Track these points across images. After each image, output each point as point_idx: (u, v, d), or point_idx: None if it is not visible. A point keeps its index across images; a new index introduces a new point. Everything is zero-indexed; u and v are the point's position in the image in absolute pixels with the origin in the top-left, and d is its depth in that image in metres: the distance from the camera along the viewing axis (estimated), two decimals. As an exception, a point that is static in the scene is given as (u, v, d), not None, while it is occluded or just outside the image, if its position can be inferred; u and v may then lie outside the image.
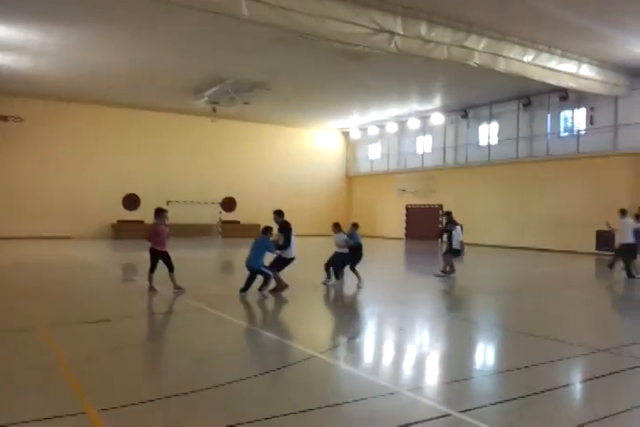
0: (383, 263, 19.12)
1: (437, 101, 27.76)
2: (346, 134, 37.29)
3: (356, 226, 12.63)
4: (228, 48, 18.69)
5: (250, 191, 33.07)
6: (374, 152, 35.97)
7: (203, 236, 30.65)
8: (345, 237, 12.04)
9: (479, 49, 16.44)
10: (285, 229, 10.83)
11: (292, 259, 10.97)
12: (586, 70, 19.36)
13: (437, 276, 13.72)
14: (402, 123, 32.52)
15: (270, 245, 10.39)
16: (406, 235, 32.72)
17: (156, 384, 5.23)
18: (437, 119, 30.06)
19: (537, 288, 12.62)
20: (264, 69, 21.50)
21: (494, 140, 27.61)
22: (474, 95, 25.85)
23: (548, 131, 25.04)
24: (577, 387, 5.43)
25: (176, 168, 30.86)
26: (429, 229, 30.05)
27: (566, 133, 24.69)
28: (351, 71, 21.07)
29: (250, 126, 33.16)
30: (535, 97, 24.97)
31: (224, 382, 5.09)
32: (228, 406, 4.53)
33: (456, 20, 15.49)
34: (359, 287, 11.73)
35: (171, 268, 10.55)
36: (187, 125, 31.04)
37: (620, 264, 14.97)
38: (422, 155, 31.96)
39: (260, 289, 10.21)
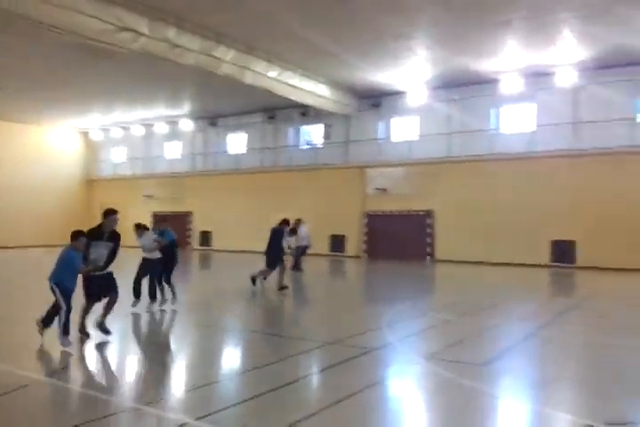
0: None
1: (186, 107, 27.56)
2: (85, 134, 34.51)
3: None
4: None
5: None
6: (118, 155, 34.04)
7: None
8: (155, 235, 9.96)
9: (227, 60, 16.81)
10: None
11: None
12: (323, 90, 21.36)
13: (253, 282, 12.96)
14: (149, 126, 31.41)
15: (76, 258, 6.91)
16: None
17: None
18: (186, 125, 29.83)
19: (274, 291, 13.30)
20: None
21: (243, 150, 28.59)
22: (223, 104, 26.34)
23: (291, 143, 26.94)
24: (310, 378, 5.80)
25: None
26: (180, 236, 29.44)
27: (306, 146, 26.91)
28: (94, 69, 19.60)
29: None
30: (280, 111, 26.56)
31: None
32: None
33: (205, 29, 15.61)
34: (172, 309, 9.85)
35: None
36: None
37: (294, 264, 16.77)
38: (171, 160, 31.36)
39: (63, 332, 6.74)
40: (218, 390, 5.31)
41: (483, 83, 20.73)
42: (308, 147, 26.86)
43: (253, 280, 12.76)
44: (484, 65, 19.22)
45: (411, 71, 20.30)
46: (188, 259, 23.04)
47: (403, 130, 23.98)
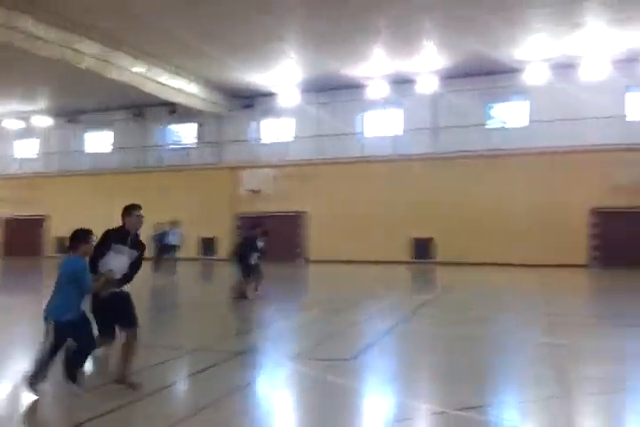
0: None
1: (43, 103, 25.45)
2: None
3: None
4: None
5: None
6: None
7: None
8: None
9: (91, 53, 15.81)
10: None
11: None
12: (193, 88, 20.77)
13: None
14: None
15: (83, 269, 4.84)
16: (6, 252, 28.08)
17: None
18: (42, 122, 27.46)
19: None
20: None
21: (108, 148, 26.96)
22: (84, 100, 24.68)
23: (160, 142, 25.89)
24: (175, 387, 5.53)
25: None
26: (31, 244, 27.14)
27: (176, 146, 26.01)
28: None
29: None
30: (147, 108, 25.42)
31: None
32: None
33: (67, 21, 14.50)
34: None
35: None
36: None
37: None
38: (23, 160, 28.71)
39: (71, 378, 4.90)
40: (79, 403, 4.85)
41: (352, 87, 21.43)
42: (178, 146, 26.00)
43: (243, 295, 11.13)
44: (353, 70, 19.89)
45: (282, 73, 20.44)
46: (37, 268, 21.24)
47: (275, 131, 24.08)
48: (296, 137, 23.26)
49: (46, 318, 4.72)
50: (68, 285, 4.72)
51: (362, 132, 22.58)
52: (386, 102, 21.63)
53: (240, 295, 11.03)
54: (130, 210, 5.37)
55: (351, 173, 21.67)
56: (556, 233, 18.75)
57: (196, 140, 25.48)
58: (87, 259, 4.91)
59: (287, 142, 23.45)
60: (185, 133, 26.02)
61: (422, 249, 20.80)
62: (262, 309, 10.46)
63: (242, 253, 11.19)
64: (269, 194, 22.95)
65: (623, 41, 16.98)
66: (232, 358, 6.45)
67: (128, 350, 5.16)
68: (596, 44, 17.23)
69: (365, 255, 20.93)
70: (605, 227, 18.73)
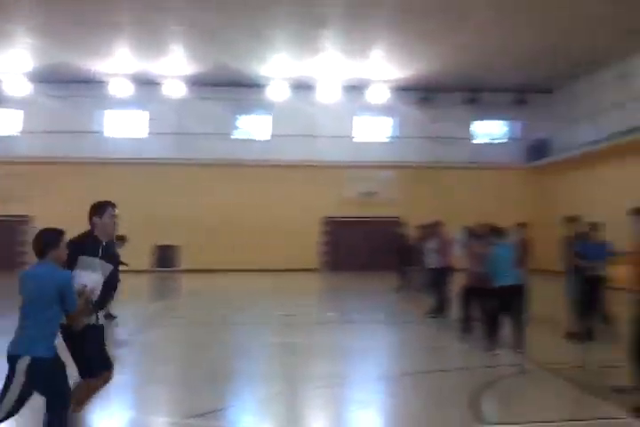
0: None
1: None
2: None
3: None
4: None
5: None
6: None
7: None
8: None
9: None
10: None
11: None
12: None
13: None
14: None
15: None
16: None
17: None
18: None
19: None
20: None
21: None
22: None
23: None
24: None
25: None
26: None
27: None
28: None
29: None
30: None
31: None
32: None
33: None
34: None
35: None
36: None
37: None
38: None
39: None
40: None
41: (91, 83, 19.81)
42: None
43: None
44: (94, 65, 18.42)
45: (9, 59, 17.88)
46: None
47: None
48: (23, 131, 20.51)
49: (16, 355, 3.28)
50: (49, 306, 3.34)
51: (102, 132, 21.02)
52: (130, 102, 20.53)
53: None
54: (102, 209, 4.02)
55: (88, 175, 19.77)
56: (293, 240, 20.00)
57: None
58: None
59: (13, 136, 20.52)
60: None
61: (166, 256, 20.22)
62: None
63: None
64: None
65: (354, 70, 19.09)
66: None
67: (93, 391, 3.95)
68: (331, 70, 19.01)
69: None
70: (334, 235, 20.75)
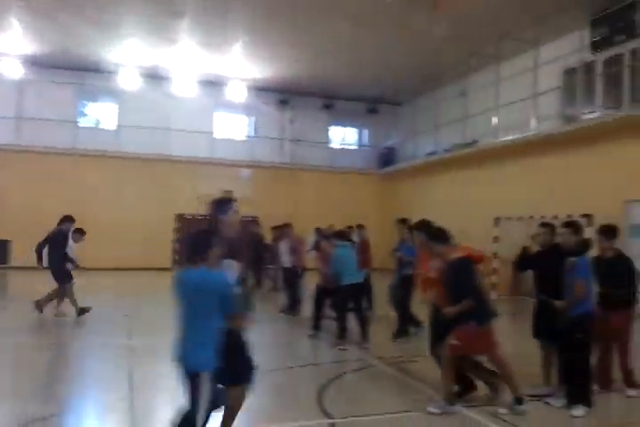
0: None
1: None
2: None
3: None
4: None
5: None
6: None
7: None
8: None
9: None
10: None
11: None
12: None
13: None
14: None
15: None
16: None
17: None
18: None
19: None
20: None
21: None
22: None
23: None
24: None
25: None
26: None
27: None
28: None
29: None
30: None
31: None
32: None
33: None
34: None
35: None
36: None
37: None
38: None
39: None
40: None
41: None
42: None
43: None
44: None
45: None
46: None
47: None
48: None
49: (192, 368, 3.20)
50: (213, 313, 3.23)
51: None
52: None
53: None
54: (226, 205, 3.72)
55: None
56: (146, 237, 19.05)
57: None
58: None
59: None
60: None
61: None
62: None
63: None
64: None
65: (212, 65, 18.70)
66: None
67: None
68: (188, 62, 18.40)
69: None
70: (186, 233, 19.94)
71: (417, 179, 20.43)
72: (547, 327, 5.28)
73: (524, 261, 5.74)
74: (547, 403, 5.11)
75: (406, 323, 8.22)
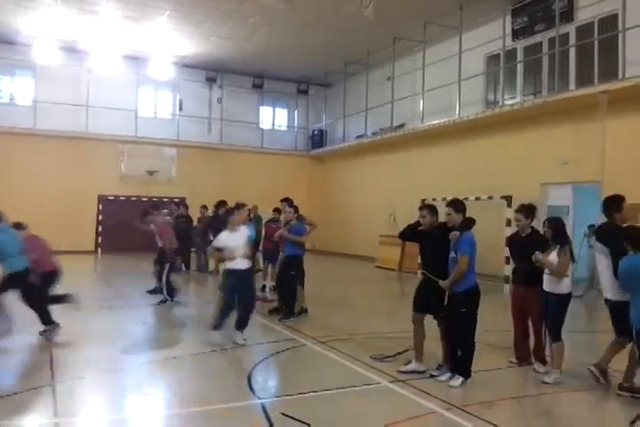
0: None
1: None
2: None
3: None
4: None
5: None
6: None
7: None
8: None
9: None
10: None
11: None
12: None
13: None
14: None
15: None
16: None
17: None
18: None
19: None
20: None
21: None
22: None
23: None
24: None
25: None
26: None
27: None
28: None
29: None
30: None
31: None
32: None
33: None
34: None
35: None
36: None
37: None
38: None
39: None
40: None
41: None
42: None
43: None
44: None
45: None
46: None
47: None
48: None
49: None
50: None
51: None
52: None
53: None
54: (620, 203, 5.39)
55: None
56: (69, 219, 18.11)
57: None
58: None
59: None
60: None
61: None
62: None
63: None
64: None
65: (136, 39, 17.82)
66: None
67: None
68: (110, 36, 17.38)
69: None
70: (111, 215, 19.09)
71: (347, 161, 20.59)
72: (428, 302, 5.43)
73: (408, 231, 5.71)
74: (432, 376, 5.31)
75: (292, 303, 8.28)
